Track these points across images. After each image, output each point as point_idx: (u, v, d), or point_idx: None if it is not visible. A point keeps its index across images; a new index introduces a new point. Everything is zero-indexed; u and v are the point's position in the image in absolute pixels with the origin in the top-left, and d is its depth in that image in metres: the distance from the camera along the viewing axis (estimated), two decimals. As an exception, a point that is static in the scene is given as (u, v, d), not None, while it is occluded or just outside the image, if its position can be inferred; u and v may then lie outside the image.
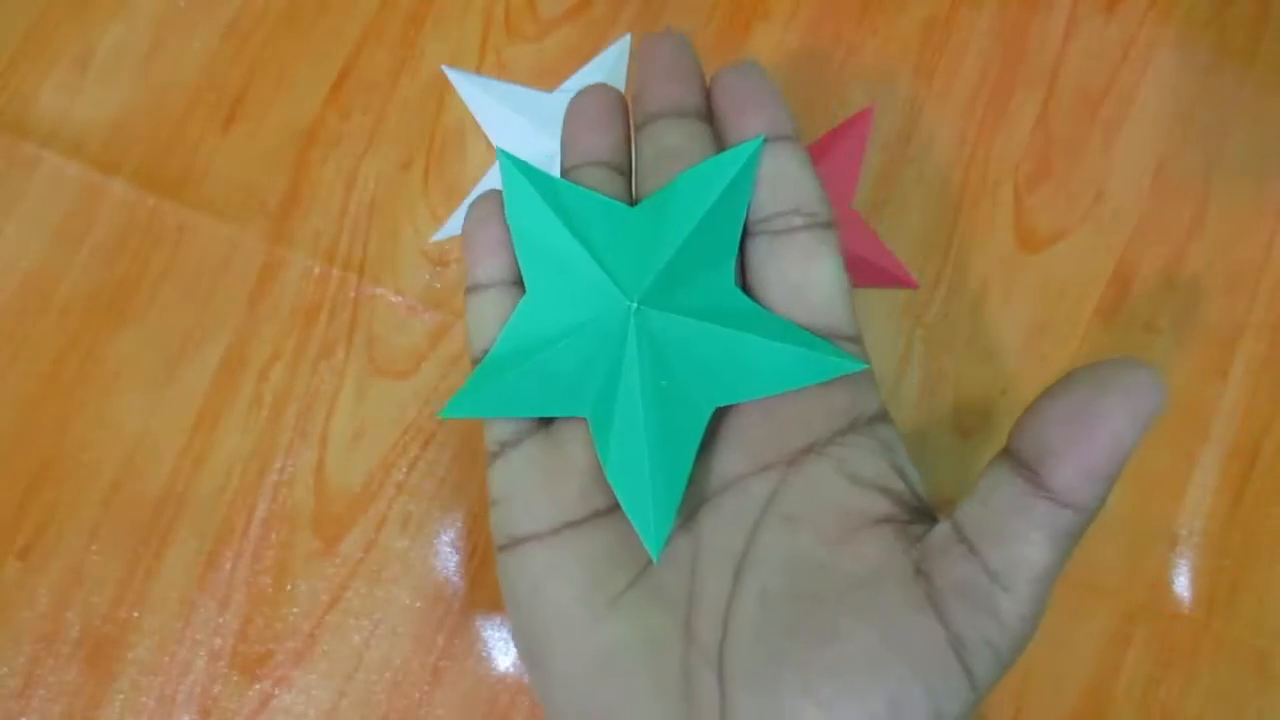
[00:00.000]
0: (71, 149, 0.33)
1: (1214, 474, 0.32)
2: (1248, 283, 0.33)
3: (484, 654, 0.31)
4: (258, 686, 0.30)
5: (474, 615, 0.31)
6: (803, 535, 0.18)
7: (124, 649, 0.30)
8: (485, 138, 0.34)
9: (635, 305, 0.19)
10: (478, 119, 0.34)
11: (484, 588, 0.31)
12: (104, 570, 0.31)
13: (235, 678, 0.30)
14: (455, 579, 0.31)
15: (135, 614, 0.31)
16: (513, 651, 0.31)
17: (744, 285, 0.20)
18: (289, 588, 0.31)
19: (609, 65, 0.34)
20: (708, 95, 0.21)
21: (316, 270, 0.33)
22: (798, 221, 0.20)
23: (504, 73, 0.34)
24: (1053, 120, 0.34)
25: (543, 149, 0.33)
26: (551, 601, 0.19)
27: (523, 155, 0.34)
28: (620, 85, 0.34)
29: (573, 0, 0.35)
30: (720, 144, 0.21)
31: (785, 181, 0.20)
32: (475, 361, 0.21)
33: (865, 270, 0.32)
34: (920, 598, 0.17)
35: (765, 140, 0.20)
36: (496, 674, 0.30)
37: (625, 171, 0.22)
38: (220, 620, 0.31)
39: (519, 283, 0.21)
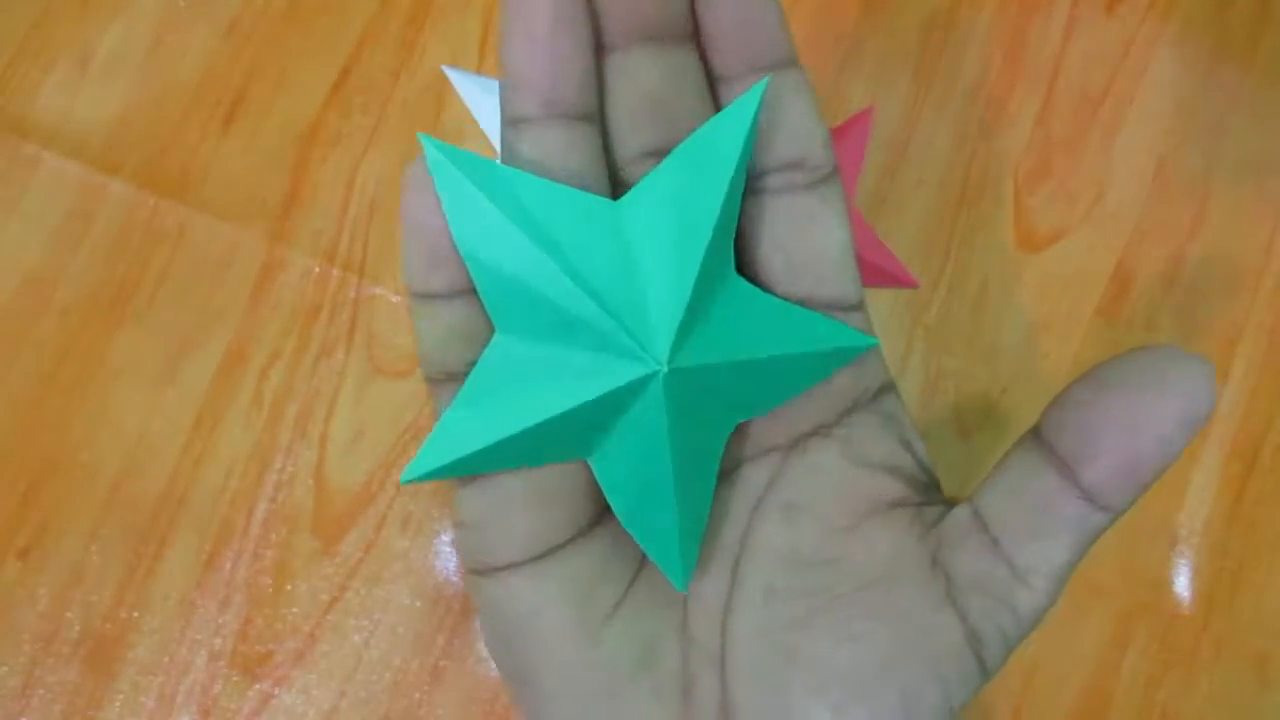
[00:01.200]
0: (72, 149, 0.33)
1: (1214, 474, 0.32)
2: (1248, 283, 0.33)
3: (484, 654, 0.31)
4: (258, 686, 0.30)
5: (474, 615, 0.31)
6: (806, 526, 0.17)
7: (124, 649, 0.30)
8: (485, 138, 0.34)
9: (664, 370, 0.16)
10: (477, 119, 0.34)
11: (484, 588, 0.31)
12: (104, 570, 0.31)
13: (235, 678, 0.30)
14: (455, 579, 0.31)
15: (135, 614, 0.31)
16: (513, 651, 0.31)
17: (736, 247, 0.17)
18: (289, 588, 0.31)
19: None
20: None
21: (316, 270, 0.33)
22: (798, 179, 0.17)
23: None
24: (1053, 120, 0.34)
25: (543, 149, 0.33)
26: (542, 632, 0.17)
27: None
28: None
29: (573, 0, 0.35)
30: (707, 71, 0.17)
31: (783, 127, 0.17)
32: (430, 381, 0.17)
33: (865, 270, 0.32)
34: (939, 593, 0.16)
35: (762, 72, 0.16)
36: (496, 674, 0.30)
37: (594, 118, 0.16)
38: (220, 620, 0.30)
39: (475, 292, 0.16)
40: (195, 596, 0.31)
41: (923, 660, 0.16)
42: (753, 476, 0.18)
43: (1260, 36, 0.34)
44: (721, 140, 0.16)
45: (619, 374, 0.16)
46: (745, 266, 0.18)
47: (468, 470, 0.16)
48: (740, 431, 0.18)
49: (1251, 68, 0.34)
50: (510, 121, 0.16)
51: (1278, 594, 0.31)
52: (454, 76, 0.34)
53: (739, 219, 0.17)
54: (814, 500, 0.17)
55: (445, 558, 0.31)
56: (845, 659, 0.16)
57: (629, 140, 0.17)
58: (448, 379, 0.17)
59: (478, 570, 0.18)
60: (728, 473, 0.18)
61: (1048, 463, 0.16)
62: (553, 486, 0.17)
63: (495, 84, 0.34)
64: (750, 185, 0.17)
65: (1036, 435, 0.17)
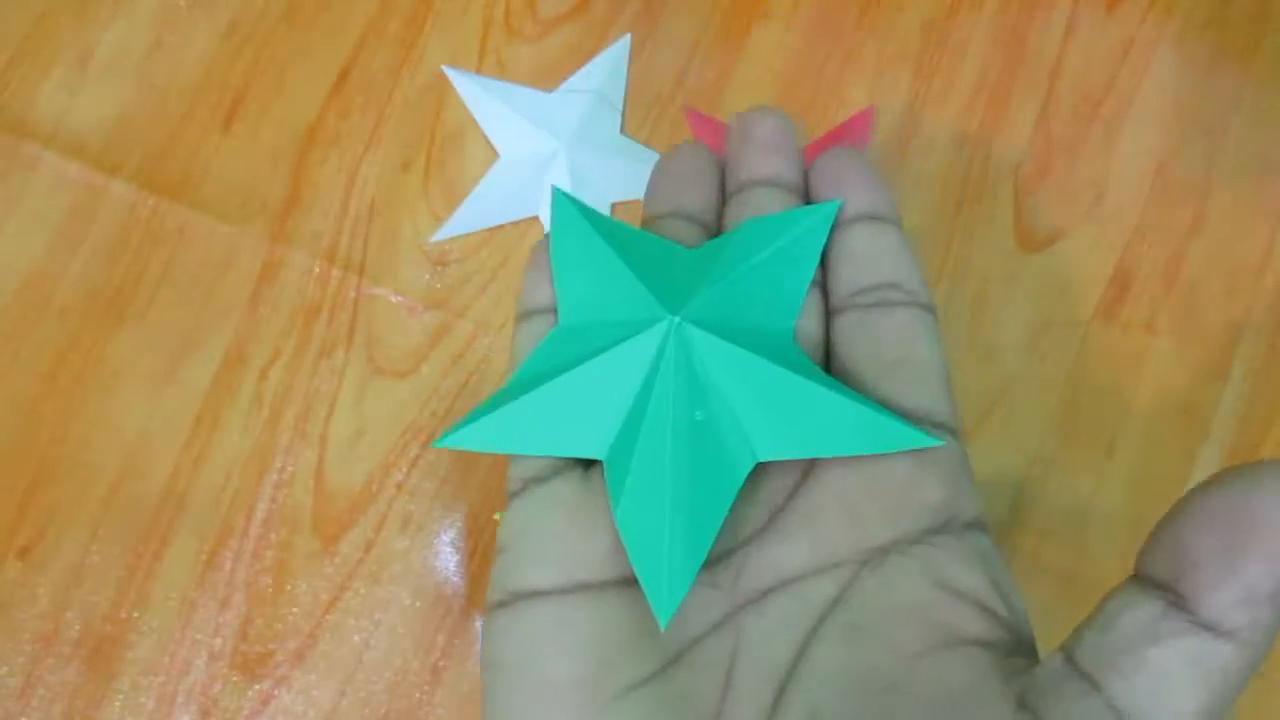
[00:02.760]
0: (72, 149, 0.33)
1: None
2: (1248, 283, 0.33)
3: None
4: (258, 686, 0.30)
5: (474, 615, 0.31)
6: (870, 648, 0.15)
7: (124, 649, 0.30)
8: (485, 138, 0.34)
9: (676, 319, 0.17)
10: (478, 119, 0.34)
11: (484, 587, 0.31)
12: (104, 570, 0.31)
13: (235, 678, 0.30)
14: (455, 579, 0.31)
15: (135, 614, 0.31)
16: (513, 651, 0.31)
17: (827, 369, 0.18)
18: (289, 588, 0.31)
19: (609, 65, 0.34)
20: (805, 177, 0.20)
21: (316, 270, 0.33)
22: (895, 296, 0.18)
23: (504, 73, 0.34)
24: (1053, 120, 0.34)
25: (542, 149, 0.33)
26: (545, 677, 0.16)
27: (522, 155, 0.34)
28: (620, 86, 0.34)
29: (573, 0, 0.35)
30: None
31: (883, 258, 0.18)
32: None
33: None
34: None
35: (864, 219, 0.18)
36: (496, 674, 0.30)
37: (710, 227, 0.20)
38: (220, 620, 0.31)
39: None
40: (195, 596, 0.31)
41: None
42: (817, 590, 0.16)
43: (1260, 36, 0.34)
44: (787, 222, 0.18)
45: (639, 329, 0.17)
46: (838, 375, 0.18)
47: (496, 441, 0.17)
48: (808, 536, 0.17)
49: (1251, 68, 0.34)
50: (645, 219, 0.20)
51: (1278, 594, 0.31)
52: (454, 76, 0.34)
53: (834, 338, 0.18)
54: (883, 621, 0.15)
55: (445, 558, 0.31)
56: None
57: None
58: None
59: (501, 601, 0.16)
60: (789, 582, 0.16)
61: (1145, 592, 0.14)
62: (599, 515, 0.16)
63: (495, 84, 0.34)
64: (847, 303, 0.18)
65: (1131, 576, 0.14)
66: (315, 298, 0.32)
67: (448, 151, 0.34)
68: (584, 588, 0.16)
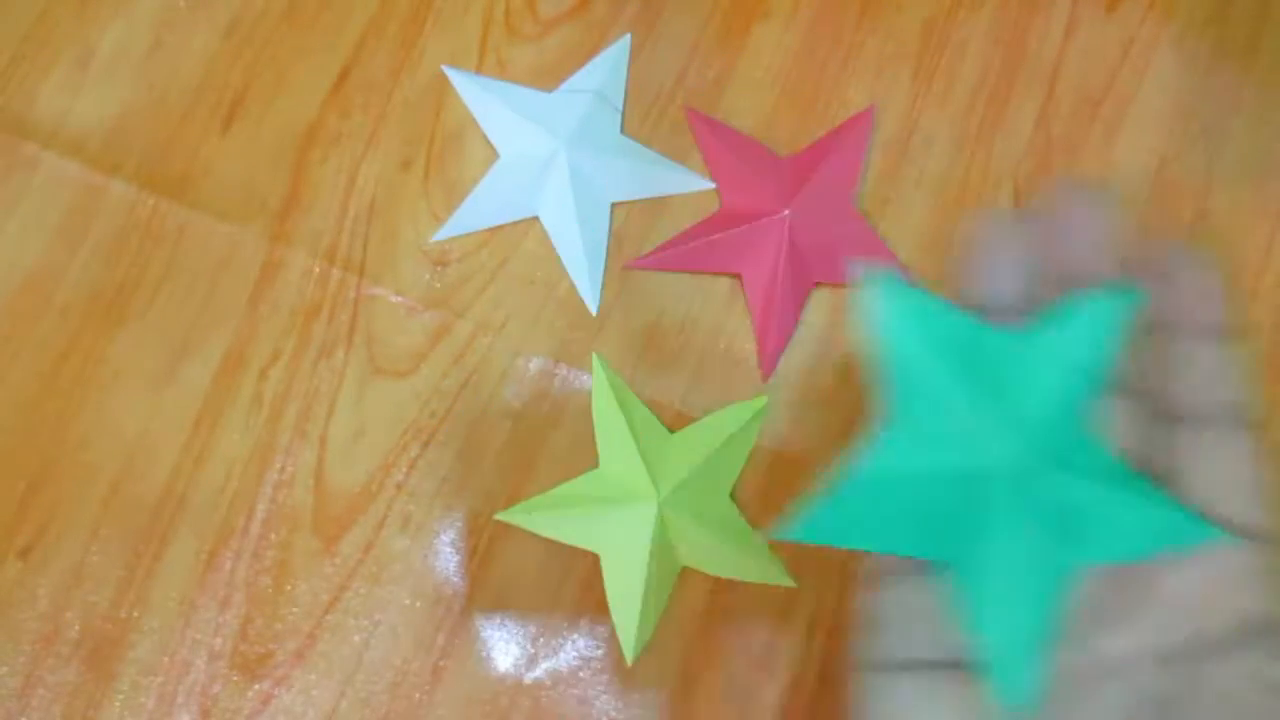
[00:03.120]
0: (71, 149, 0.33)
1: (1214, 474, 0.32)
2: (1248, 283, 0.33)
3: (484, 654, 0.31)
4: (258, 686, 0.30)
5: (474, 615, 0.31)
6: None
7: (124, 649, 0.30)
8: (485, 138, 0.34)
9: (1024, 465, 0.18)
10: (478, 119, 0.34)
11: (484, 588, 0.31)
12: (104, 570, 0.31)
13: (235, 678, 0.30)
14: (455, 579, 0.31)
15: (135, 614, 0.31)
16: (513, 651, 0.31)
17: (1154, 472, 0.20)
18: (289, 588, 0.31)
19: (609, 65, 0.34)
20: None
21: (316, 270, 0.33)
22: (1236, 418, 0.19)
23: (504, 73, 0.34)
24: (1053, 120, 0.34)
25: (542, 149, 0.33)
26: None
27: (522, 155, 0.34)
28: (620, 86, 0.34)
29: (573, 0, 0.35)
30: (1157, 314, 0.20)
31: (1228, 376, 0.19)
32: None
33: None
34: None
35: (1214, 334, 0.19)
36: (496, 674, 0.30)
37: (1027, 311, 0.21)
38: (220, 620, 0.31)
39: None
40: (195, 596, 0.31)
41: None
42: (1145, 681, 0.18)
43: (1260, 36, 0.34)
44: (1101, 319, 0.19)
45: (986, 461, 0.18)
46: (1168, 488, 0.19)
47: (851, 539, 0.18)
48: (1131, 632, 0.18)
49: (1252, 68, 0.34)
50: (976, 304, 0.20)
51: (1278, 594, 0.31)
52: (454, 76, 0.34)
53: (1172, 446, 0.19)
54: (1208, 713, 0.17)
55: (445, 558, 0.31)
56: None
57: None
58: None
59: (880, 665, 0.19)
60: (1116, 672, 0.18)
61: None
62: None
63: (495, 84, 0.34)
64: (1184, 415, 0.19)
65: None
66: (315, 298, 0.32)
67: (448, 151, 0.34)
68: (949, 664, 0.18)
